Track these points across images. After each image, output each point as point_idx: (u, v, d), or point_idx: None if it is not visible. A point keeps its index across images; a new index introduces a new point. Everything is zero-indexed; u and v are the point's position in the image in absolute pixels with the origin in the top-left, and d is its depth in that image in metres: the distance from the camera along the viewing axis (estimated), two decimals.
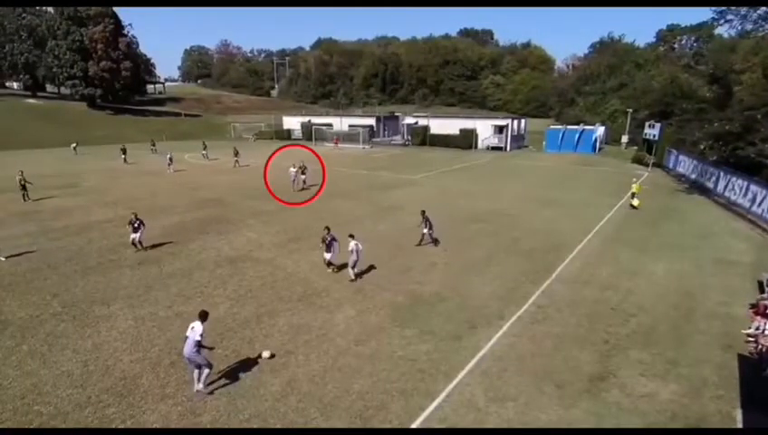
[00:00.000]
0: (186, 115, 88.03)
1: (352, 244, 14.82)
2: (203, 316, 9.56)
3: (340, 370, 10.39)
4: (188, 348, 9.25)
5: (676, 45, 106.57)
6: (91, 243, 18.97)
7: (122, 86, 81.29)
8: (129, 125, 73.22)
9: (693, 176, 34.88)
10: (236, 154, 42.06)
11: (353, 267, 15.11)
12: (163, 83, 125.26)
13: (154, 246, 18.46)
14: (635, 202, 25.83)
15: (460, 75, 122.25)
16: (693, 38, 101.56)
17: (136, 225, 17.70)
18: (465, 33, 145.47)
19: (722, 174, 29.43)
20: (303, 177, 30.80)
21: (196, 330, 9.27)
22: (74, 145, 51.55)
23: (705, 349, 11.39)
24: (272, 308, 13.25)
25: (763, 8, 28.95)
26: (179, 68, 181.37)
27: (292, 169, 30.07)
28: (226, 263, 16.81)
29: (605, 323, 12.56)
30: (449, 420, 8.86)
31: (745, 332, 11.93)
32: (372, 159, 48.94)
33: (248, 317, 12.65)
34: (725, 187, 28.56)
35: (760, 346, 11.00)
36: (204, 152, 46.65)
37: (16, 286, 14.52)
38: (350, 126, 65.50)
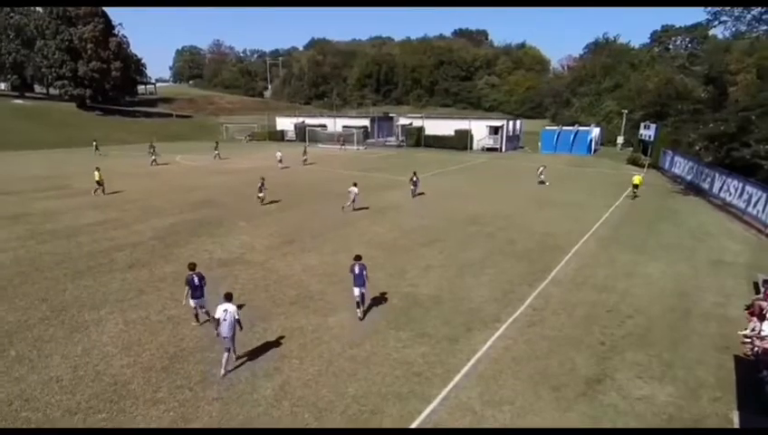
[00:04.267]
0: (177, 116, 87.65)
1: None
2: (229, 297, 10.33)
3: (335, 374, 10.37)
4: (227, 329, 9.99)
5: (670, 46, 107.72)
6: (80, 246, 18.83)
7: (112, 87, 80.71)
8: (119, 126, 72.74)
9: (688, 177, 35.12)
10: (216, 147, 47.05)
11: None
12: (154, 84, 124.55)
13: (145, 249, 18.36)
14: (636, 182, 29.37)
15: (455, 76, 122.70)
16: (687, 39, 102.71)
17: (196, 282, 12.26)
18: (460, 33, 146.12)
19: (717, 175, 29.66)
20: (261, 194, 26.66)
21: (230, 311, 10.01)
22: (95, 143, 50.82)
23: (702, 350, 11.47)
24: (265, 312, 13.20)
25: (757, 9, 29.32)
26: (171, 68, 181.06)
27: (353, 189, 24.79)
28: (218, 266, 16.74)
29: (601, 325, 12.62)
30: (445, 424, 8.87)
31: (741, 333, 12.04)
32: (367, 159, 48.95)
33: (243, 321, 12.55)
34: (721, 188, 28.78)
35: (756, 348, 11.09)
36: (216, 152, 47.16)
37: (4, 291, 14.39)
38: (344, 127, 65.41)
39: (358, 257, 12.89)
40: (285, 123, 73.21)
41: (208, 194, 29.40)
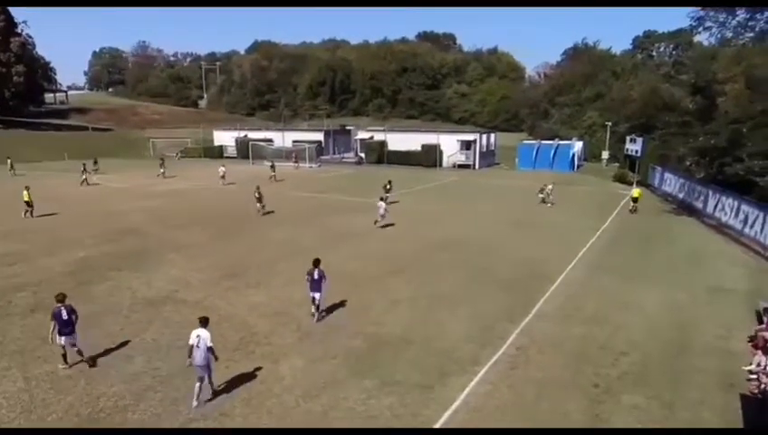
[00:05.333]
0: (94, 129, 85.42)
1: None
2: (205, 322, 11.03)
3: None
4: (201, 357, 10.65)
5: (654, 53, 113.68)
6: None
7: (13, 94, 78.27)
8: (23, 141, 70.00)
9: (680, 195, 36.75)
10: (162, 165, 48.49)
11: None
12: (66, 92, 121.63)
13: (52, 288, 17.49)
14: (636, 196, 33.08)
15: (420, 84, 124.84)
16: (671, 45, 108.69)
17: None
18: (425, 36, 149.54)
19: (711, 193, 31.14)
20: (260, 204, 30.54)
21: (203, 336, 10.70)
22: (9, 161, 49.82)
23: (705, 389, 11.76)
24: None
25: (742, 15, 31.34)
26: (86, 73, 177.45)
27: (382, 204, 27.57)
28: (144, 306, 16.14)
29: (593, 365, 12.79)
30: None
31: (746, 369, 12.41)
32: (321, 179, 48.91)
33: (172, 372, 12.07)
34: (715, 207, 30.20)
35: (763, 385, 11.46)
36: (162, 170, 47.87)
37: None
38: (294, 142, 65.44)
39: (317, 262, 14.99)
40: (225, 137, 72.57)
41: (132, 221, 28.63)
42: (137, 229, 26.55)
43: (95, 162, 51.23)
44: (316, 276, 14.77)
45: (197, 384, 10.76)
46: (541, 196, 35.28)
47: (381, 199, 28.16)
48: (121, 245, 23.51)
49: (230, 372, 12.16)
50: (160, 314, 15.58)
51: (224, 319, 15.22)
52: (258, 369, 12.37)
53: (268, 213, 30.53)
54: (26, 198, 29.14)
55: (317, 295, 14.91)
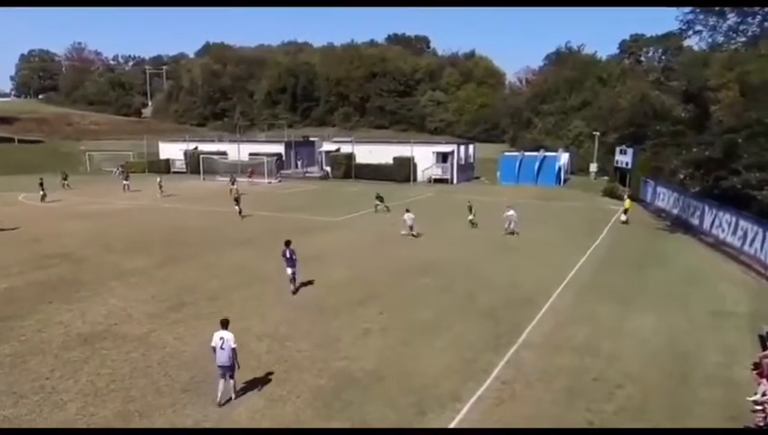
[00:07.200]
0: (21, 141, 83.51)
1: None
2: (226, 324, 12.60)
3: None
4: (225, 357, 12.15)
5: (642, 58, 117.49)
6: None
7: None
8: None
9: (675, 211, 37.66)
10: (65, 178, 51.24)
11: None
12: None
13: None
14: (623, 217, 35.76)
15: (391, 91, 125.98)
16: (660, 50, 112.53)
17: None
18: (395, 39, 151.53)
19: (707, 208, 31.97)
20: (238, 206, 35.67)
21: (227, 338, 12.19)
22: None
23: (708, 423, 11.92)
24: (145, 404, 12.37)
25: (733, 19, 32.56)
26: (12, 78, 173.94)
27: (409, 215, 30.78)
28: (79, 343, 15.66)
29: (587, 399, 12.85)
30: None
31: (750, 399, 12.61)
32: (281, 196, 48.67)
33: (110, 419, 11.69)
34: (712, 223, 31.00)
35: None
36: (126, 182, 49.87)
37: None
38: (250, 154, 64.94)
39: (288, 243, 20.23)
40: (172, 150, 71.69)
41: (63, 245, 27.94)
42: (68, 254, 25.89)
43: (65, 177, 52.33)
44: (288, 255, 19.95)
45: (221, 382, 12.17)
46: (470, 217, 33.26)
47: (407, 211, 31.37)
48: (51, 272, 22.91)
49: (178, 418, 11.84)
50: (97, 351, 15.12)
51: (172, 356, 14.87)
52: (210, 412, 12.06)
53: (245, 216, 35.38)
54: None
55: (290, 271, 19.99)
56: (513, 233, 30.99)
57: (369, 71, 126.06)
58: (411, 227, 30.47)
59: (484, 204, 43.28)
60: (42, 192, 43.17)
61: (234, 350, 12.23)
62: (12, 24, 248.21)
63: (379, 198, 39.14)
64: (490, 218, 33.84)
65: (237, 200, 36.21)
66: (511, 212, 31.41)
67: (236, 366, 12.47)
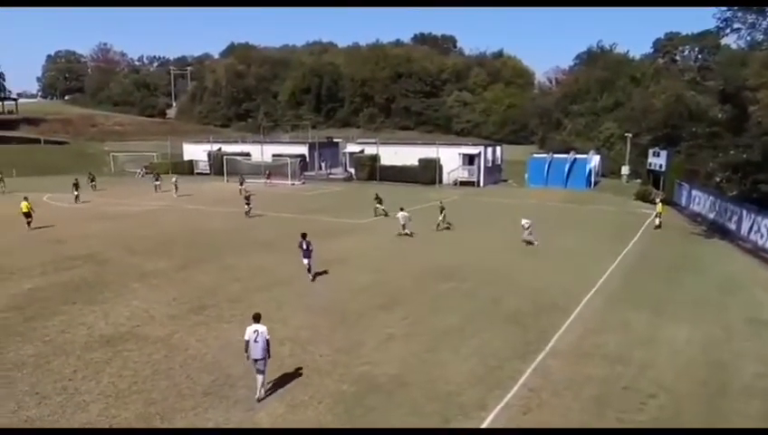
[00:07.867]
0: (46, 142, 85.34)
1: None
2: (258, 318, 12.94)
3: None
4: (260, 350, 12.52)
5: (677, 57, 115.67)
6: None
7: None
8: None
9: (711, 215, 37.01)
10: (93, 180, 53.11)
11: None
12: (15, 100, 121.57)
13: None
14: (656, 221, 34.87)
15: (417, 91, 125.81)
16: (696, 49, 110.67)
17: None
18: (422, 39, 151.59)
19: (745, 213, 31.34)
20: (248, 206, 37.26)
21: (261, 331, 12.58)
22: None
23: None
24: (166, 406, 12.52)
25: None
26: (39, 80, 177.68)
27: (403, 213, 31.42)
28: (102, 344, 15.92)
29: (617, 409, 12.65)
30: None
31: None
32: (305, 198, 48.95)
33: (131, 421, 11.86)
34: (750, 228, 30.36)
35: None
36: (157, 183, 51.79)
37: None
38: (274, 156, 65.46)
39: (304, 235, 22.03)
40: (196, 151, 72.63)
41: (87, 246, 28.45)
42: (92, 255, 26.36)
43: (92, 178, 53.82)
44: (305, 247, 21.82)
45: (259, 378, 12.59)
46: (440, 219, 33.21)
47: (401, 209, 31.69)
48: (74, 273, 23.31)
49: (199, 421, 11.95)
50: (119, 353, 15.35)
51: (194, 358, 15.03)
52: (232, 416, 12.15)
53: (254, 216, 36.80)
54: (25, 209, 32.37)
55: (306, 261, 21.92)
56: (530, 243, 29.25)
57: (395, 71, 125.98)
58: (404, 226, 30.87)
59: (511, 207, 43.07)
60: (75, 193, 44.37)
61: (267, 341, 12.66)
62: (39, 25, 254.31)
63: (378, 199, 38.33)
64: (517, 222, 33.66)
65: (248, 199, 37.77)
66: (524, 221, 29.91)
67: (269, 356, 12.78)
